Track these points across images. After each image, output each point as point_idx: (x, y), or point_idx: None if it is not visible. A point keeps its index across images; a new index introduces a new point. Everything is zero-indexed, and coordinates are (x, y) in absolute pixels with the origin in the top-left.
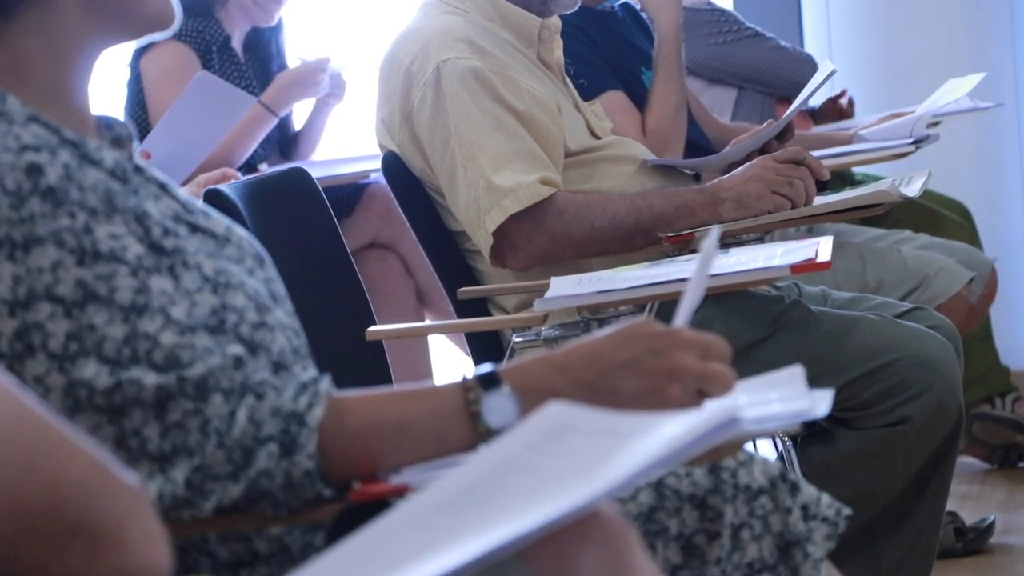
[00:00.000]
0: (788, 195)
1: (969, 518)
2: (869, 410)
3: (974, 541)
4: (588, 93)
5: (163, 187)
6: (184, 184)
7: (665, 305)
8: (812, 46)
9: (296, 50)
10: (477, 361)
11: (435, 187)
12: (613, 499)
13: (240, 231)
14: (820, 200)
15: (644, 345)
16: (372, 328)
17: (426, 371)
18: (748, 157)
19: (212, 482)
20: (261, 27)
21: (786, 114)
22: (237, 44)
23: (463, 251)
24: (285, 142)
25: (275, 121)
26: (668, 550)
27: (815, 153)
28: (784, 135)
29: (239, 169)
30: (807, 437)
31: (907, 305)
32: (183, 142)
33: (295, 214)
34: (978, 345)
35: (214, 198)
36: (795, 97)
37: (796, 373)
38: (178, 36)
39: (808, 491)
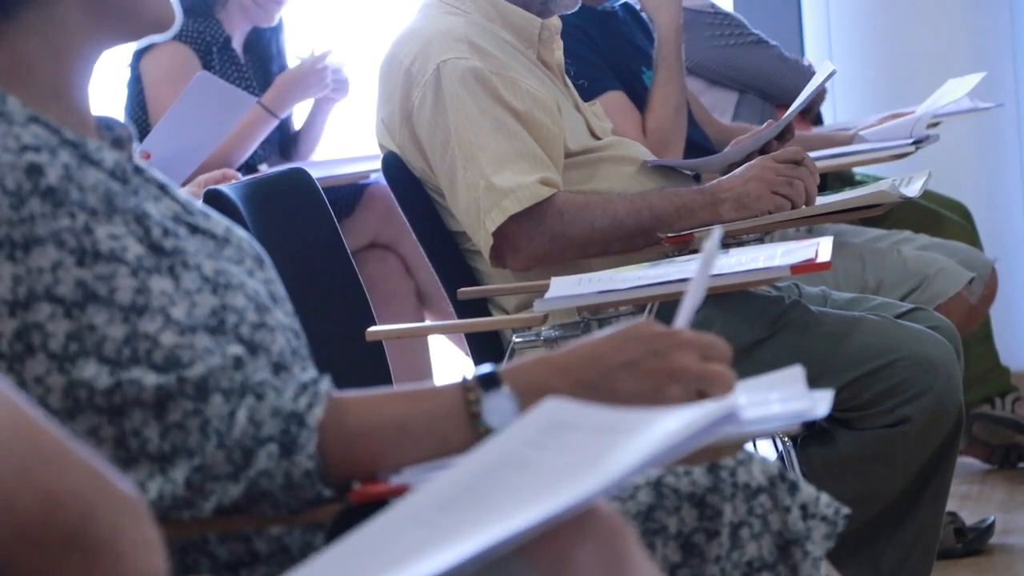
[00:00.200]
0: (788, 195)
1: (969, 518)
2: (869, 410)
3: (974, 541)
4: (588, 93)
5: (163, 188)
6: (184, 184)
7: (665, 306)
8: (812, 46)
9: (296, 50)
10: (477, 361)
11: (435, 187)
12: (611, 496)
13: (240, 232)
14: (820, 200)
15: (644, 346)
16: (372, 328)
17: (426, 371)
18: (748, 158)
19: (212, 482)
20: (261, 27)
21: (786, 114)
22: (237, 45)
23: (463, 251)
24: (285, 142)
25: (275, 122)
26: (667, 549)
27: (815, 153)
28: (784, 135)
29: (239, 169)
30: (807, 437)
31: (907, 305)
32: (183, 142)
33: (295, 214)
34: (978, 345)
35: (214, 198)
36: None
37: (796, 373)
38: (178, 37)
39: (807, 490)
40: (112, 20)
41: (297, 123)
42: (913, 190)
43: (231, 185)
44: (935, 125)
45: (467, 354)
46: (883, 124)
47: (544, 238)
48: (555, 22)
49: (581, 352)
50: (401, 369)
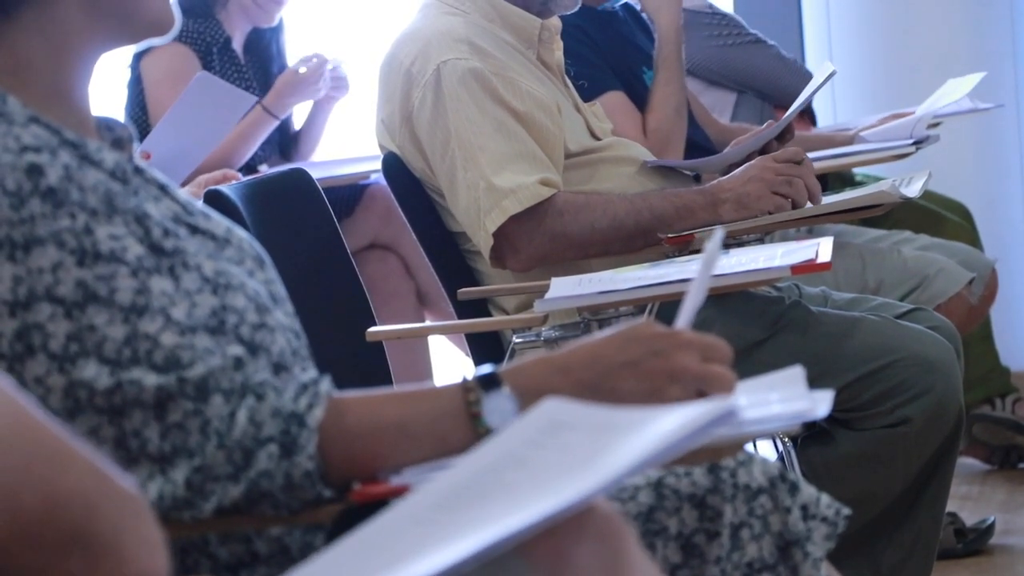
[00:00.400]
0: (788, 194)
1: (969, 519)
2: (869, 411)
3: (974, 542)
4: (588, 94)
5: (163, 188)
6: (184, 184)
7: (665, 306)
8: (812, 46)
9: (297, 51)
10: (477, 362)
11: (435, 188)
12: (611, 496)
13: (240, 232)
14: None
15: (645, 346)
16: (372, 329)
17: (426, 372)
18: (748, 158)
19: (212, 483)
20: (262, 28)
21: (786, 115)
22: (238, 45)
23: (463, 252)
24: (285, 143)
25: (276, 124)
26: (667, 549)
27: (816, 154)
28: (784, 136)
29: (239, 170)
30: (807, 438)
31: (907, 306)
32: (183, 142)
33: (295, 215)
34: (978, 346)
35: (214, 199)
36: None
37: (796, 374)
38: (179, 37)
39: (807, 491)
40: (112, 21)
41: (297, 123)
42: (913, 190)
43: (231, 185)
44: (935, 126)
45: (467, 354)
46: (883, 124)
47: (544, 238)
48: (555, 22)
49: (581, 352)
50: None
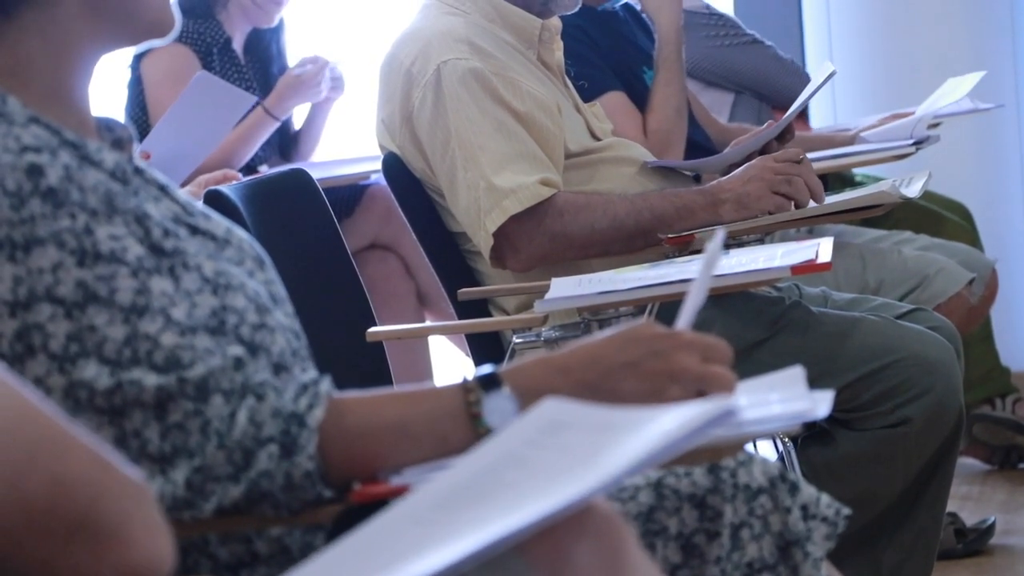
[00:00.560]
0: (788, 193)
1: (969, 519)
2: (869, 411)
3: (974, 542)
4: (589, 94)
5: (163, 189)
6: (184, 185)
7: (665, 306)
8: (812, 46)
9: (297, 52)
10: (477, 362)
11: (435, 188)
12: (611, 495)
13: (240, 233)
14: None
15: (645, 347)
16: (372, 329)
17: (426, 372)
18: (748, 158)
19: (212, 483)
20: (261, 28)
21: (786, 115)
22: (238, 46)
23: (463, 252)
24: (285, 143)
25: (276, 125)
26: (668, 549)
27: (816, 154)
28: (784, 136)
29: (239, 170)
30: (807, 438)
31: (908, 306)
32: (183, 142)
33: (295, 215)
34: (978, 346)
35: (214, 199)
36: (788, 107)
37: (796, 374)
38: (179, 38)
39: (808, 491)
40: (112, 22)
41: (296, 124)
42: (913, 191)
43: (231, 186)
44: (936, 126)
45: (467, 355)
46: (883, 125)
47: (544, 238)
48: (555, 23)
49: (582, 353)
50: (401, 370)
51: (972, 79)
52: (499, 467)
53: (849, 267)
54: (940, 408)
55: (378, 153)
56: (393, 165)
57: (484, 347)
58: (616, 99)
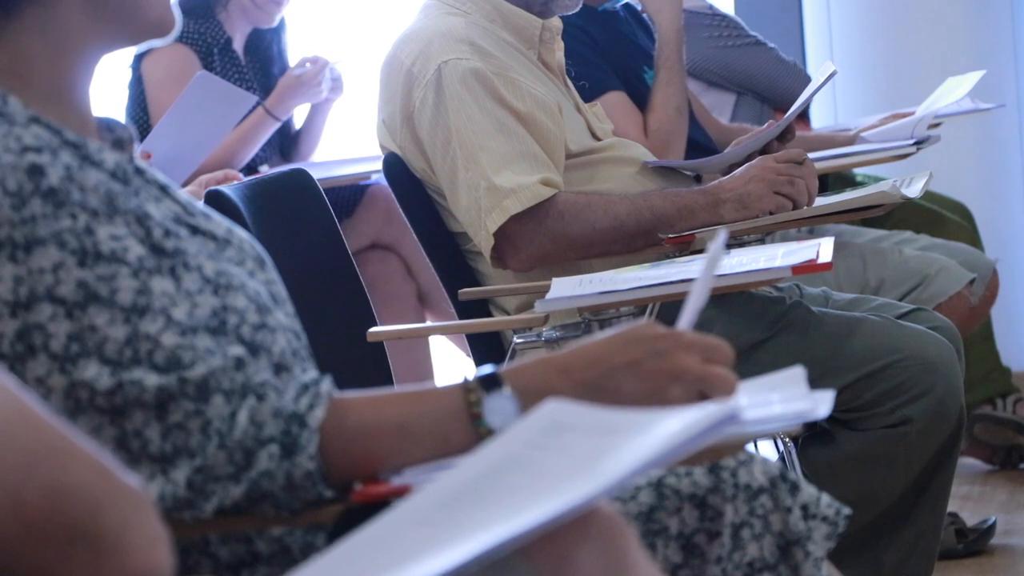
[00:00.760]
0: (789, 194)
1: (970, 519)
2: (870, 411)
3: (975, 542)
4: (589, 94)
5: (164, 189)
6: (185, 185)
7: (666, 306)
8: (813, 46)
9: (297, 52)
10: (478, 362)
11: (436, 188)
12: (612, 497)
13: (241, 233)
14: (821, 201)
15: (646, 347)
16: (373, 329)
17: (427, 372)
18: (749, 158)
19: (213, 483)
20: (262, 28)
21: (787, 115)
22: (238, 46)
23: (464, 252)
24: (285, 143)
25: (277, 125)
26: (668, 549)
27: (816, 154)
28: (785, 136)
29: (240, 171)
30: (808, 438)
31: (908, 306)
32: (183, 142)
33: (296, 215)
34: (979, 346)
35: (215, 199)
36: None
37: (797, 374)
38: (180, 38)
39: (808, 491)
40: (112, 23)
41: (297, 124)
42: (914, 191)
43: (232, 186)
44: (936, 126)
45: (468, 355)
46: (884, 125)
47: (545, 238)
48: (556, 23)
49: (582, 353)
50: (402, 370)
51: (972, 78)
52: (502, 469)
53: (850, 267)
54: (941, 408)
55: (379, 153)
56: (394, 165)
57: (485, 347)
58: (617, 99)
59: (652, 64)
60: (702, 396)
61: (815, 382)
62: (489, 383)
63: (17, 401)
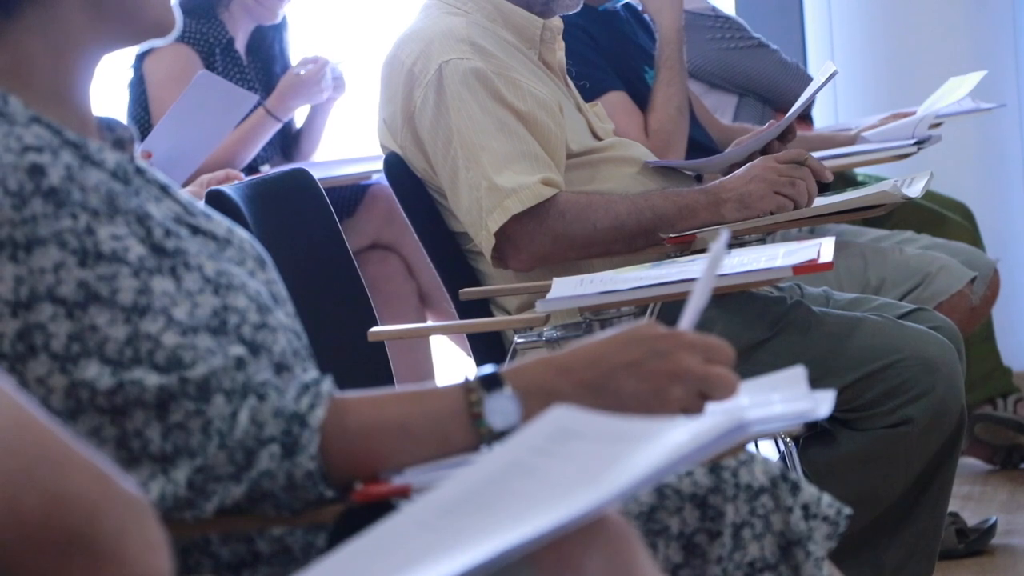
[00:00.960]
0: (790, 195)
1: (971, 519)
2: (871, 411)
3: (976, 542)
4: (590, 94)
5: (164, 189)
6: (186, 184)
7: (667, 306)
8: (814, 46)
9: (298, 52)
10: (479, 362)
11: (437, 188)
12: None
13: (241, 233)
14: (822, 201)
15: (647, 347)
16: (374, 329)
17: (428, 372)
18: (750, 158)
19: (214, 483)
20: (265, 25)
21: (788, 115)
22: (240, 46)
23: (465, 252)
24: (287, 142)
25: (278, 126)
26: (669, 549)
27: (817, 154)
28: (786, 136)
29: (241, 170)
30: (809, 438)
31: (909, 306)
32: (184, 142)
33: (297, 215)
34: (980, 346)
35: (216, 199)
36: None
37: (798, 374)
38: (181, 38)
39: (809, 490)
40: (112, 22)
41: (298, 122)
42: (915, 191)
43: (233, 186)
44: (937, 125)
45: (469, 355)
46: (885, 124)
47: (546, 238)
48: (556, 23)
49: (583, 353)
50: (403, 370)
51: (974, 78)
52: (507, 475)
53: (851, 266)
54: (942, 408)
55: (380, 153)
56: (395, 165)
57: (485, 347)
58: (617, 99)
59: (653, 64)
60: (703, 396)
61: (816, 382)
62: (490, 383)
63: (15, 407)
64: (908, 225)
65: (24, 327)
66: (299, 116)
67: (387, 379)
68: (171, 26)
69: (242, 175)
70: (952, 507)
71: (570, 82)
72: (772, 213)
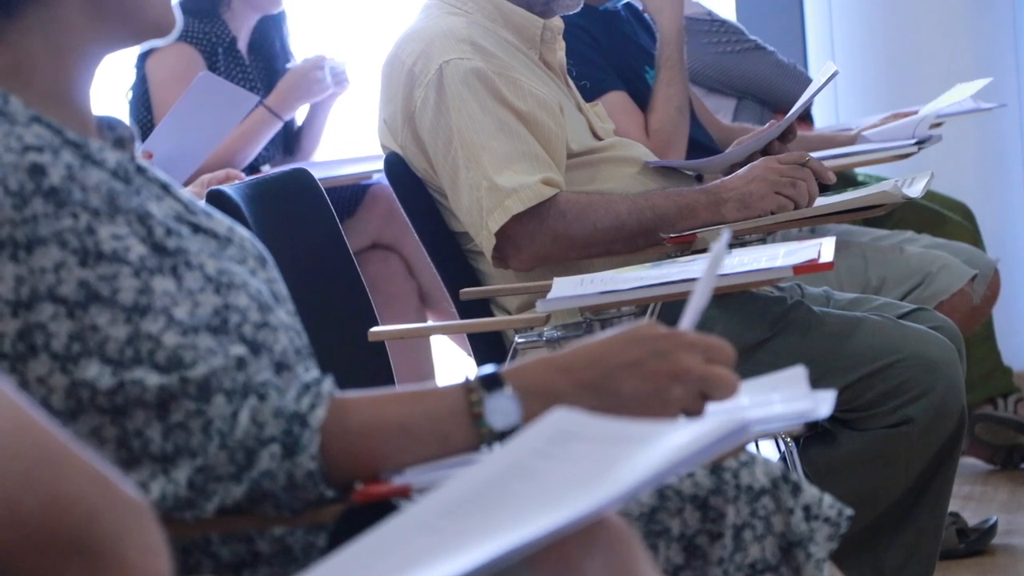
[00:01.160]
0: (791, 196)
1: (971, 519)
2: (871, 411)
3: (976, 542)
4: (590, 94)
5: (165, 188)
6: (187, 184)
7: (668, 306)
8: (814, 47)
9: (299, 52)
10: (479, 362)
11: (437, 188)
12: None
13: (242, 231)
14: (823, 201)
15: (647, 347)
16: (374, 329)
17: (428, 372)
18: (750, 158)
19: (214, 483)
20: (267, 20)
21: (788, 115)
22: (243, 45)
23: (465, 252)
24: (288, 140)
25: (280, 125)
26: (670, 551)
27: (818, 154)
28: (786, 136)
29: (243, 170)
30: (809, 438)
31: (910, 306)
32: (185, 142)
33: (297, 215)
34: (980, 346)
35: (217, 198)
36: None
37: (798, 374)
38: (183, 38)
39: (810, 491)
40: (113, 22)
41: (299, 120)
42: (916, 190)
43: (233, 185)
44: (938, 125)
45: (469, 355)
46: (885, 124)
47: (546, 238)
48: (557, 23)
49: (584, 353)
50: (403, 370)
51: (978, 85)
52: (508, 477)
53: (851, 265)
54: (942, 408)
55: (380, 153)
56: (395, 165)
57: (486, 347)
58: (618, 99)
59: (653, 64)
60: (703, 396)
61: (816, 382)
62: (490, 383)
63: (15, 409)
64: (908, 225)
65: (25, 327)
66: (300, 113)
67: (387, 379)
68: (171, 26)
69: (243, 175)
70: (952, 507)
71: (570, 82)
72: (773, 213)
